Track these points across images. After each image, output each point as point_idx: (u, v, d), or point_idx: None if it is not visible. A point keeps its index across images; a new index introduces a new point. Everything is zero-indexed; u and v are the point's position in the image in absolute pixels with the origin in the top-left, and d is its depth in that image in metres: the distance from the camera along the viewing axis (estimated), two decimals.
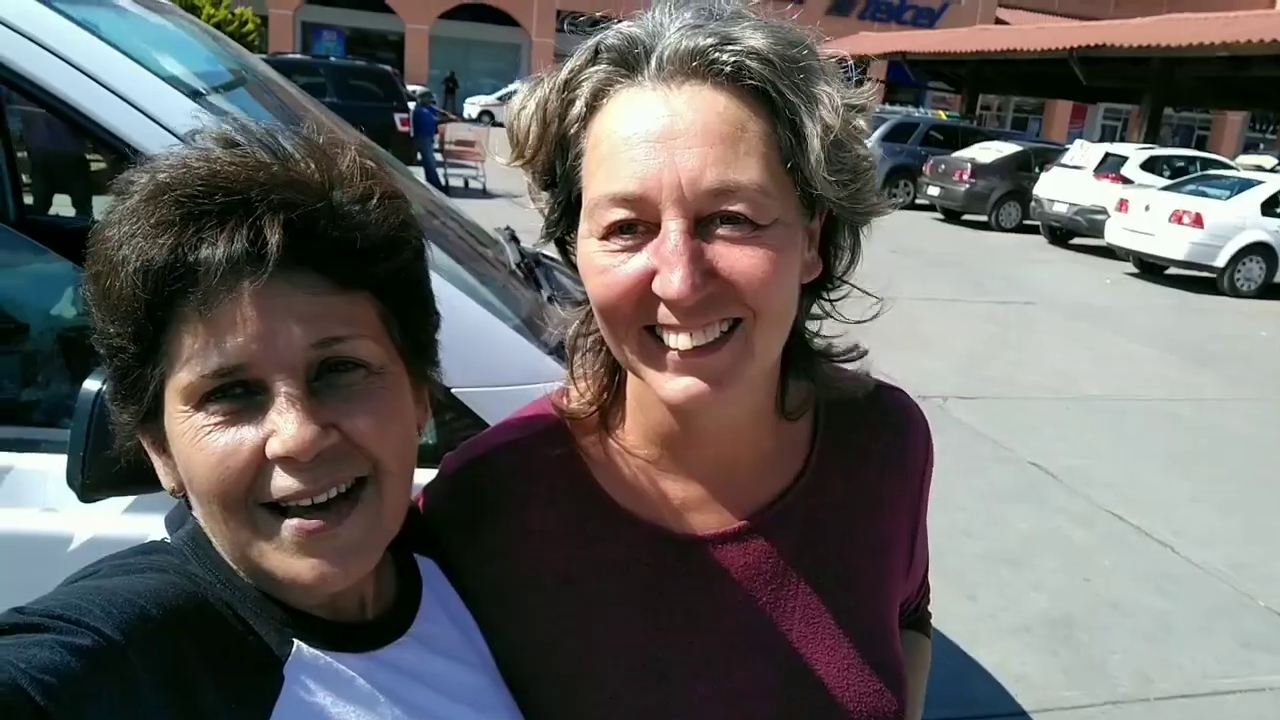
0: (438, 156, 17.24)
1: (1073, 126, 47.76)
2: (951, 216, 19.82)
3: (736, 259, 0.71)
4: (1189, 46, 19.34)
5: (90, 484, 1.34)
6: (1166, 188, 15.47)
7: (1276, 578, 4.84)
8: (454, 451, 0.97)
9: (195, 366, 0.67)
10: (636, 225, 0.73)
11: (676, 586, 0.89)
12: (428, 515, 0.95)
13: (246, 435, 0.68)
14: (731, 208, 0.71)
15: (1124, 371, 8.90)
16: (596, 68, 0.76)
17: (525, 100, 0.81)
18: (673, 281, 0.70)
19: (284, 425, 0.67)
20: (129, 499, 1.57)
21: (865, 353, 0.94)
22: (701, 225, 0.72)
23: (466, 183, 16.72)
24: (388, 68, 19.58)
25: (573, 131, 0.78)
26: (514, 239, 2.90)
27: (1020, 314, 11.00)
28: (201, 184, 0.67)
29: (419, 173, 15.86)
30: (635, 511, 0.90)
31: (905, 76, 36.39)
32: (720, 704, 0.87)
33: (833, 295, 0.89)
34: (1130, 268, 15.29)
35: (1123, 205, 15.15)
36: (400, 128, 16.65)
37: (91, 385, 1.31)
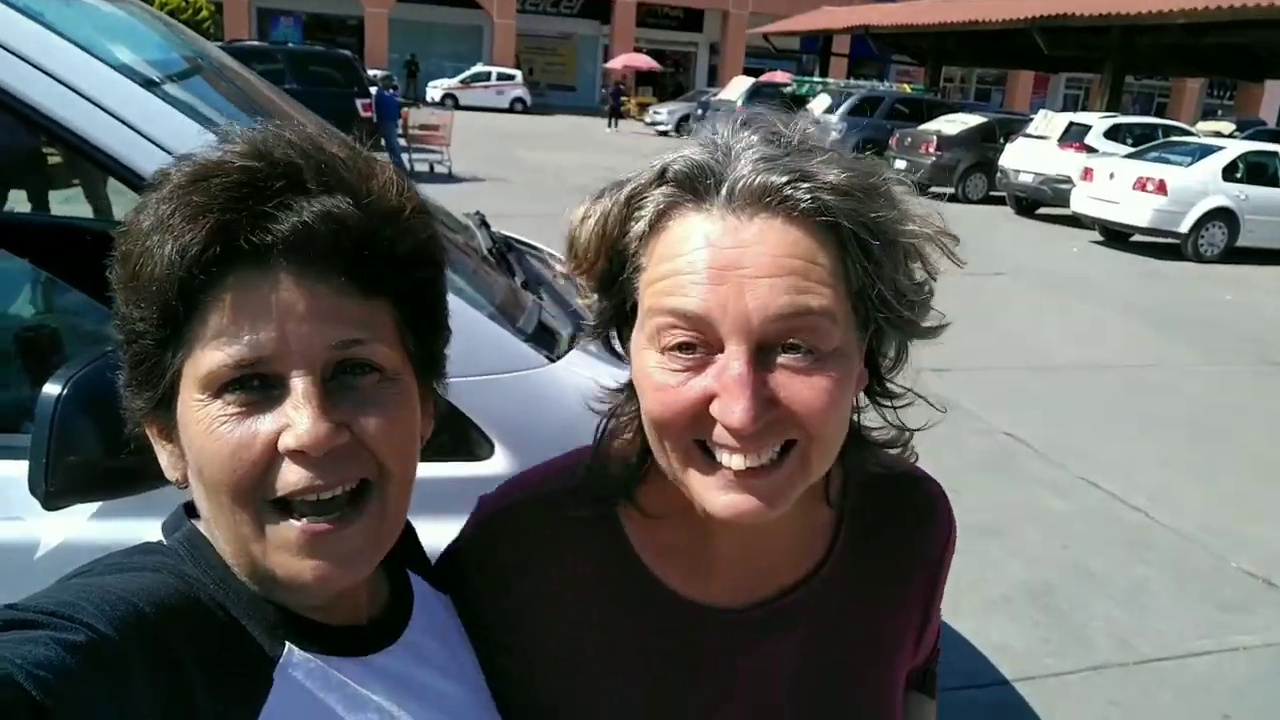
0: (401, 141, 17.05)
1: (1035, 96, 48.10)
2: (918, 189, 19.74)
3: (799, 389, 0.71)
4: (1148, 15, 19.52)
5: (54, 491, 1.30)
6: (1130, 155, 15.65)
7: (1248, 540, 4.92)
8: (491, 493, 0.98)
9: (218, 354, 0.68)
10: (696, 345, 0.72)
11: (694, 662, 0.88)
12: (460, 552, 0.96)
13: (261, 427, 0.69)
14: (796, 337, 0.71)
15: (1093, 339, 9.01)
16: (662, 188, 0.75)
17: (589, 209, 0.80)
18: (735, 411, 0.69)
19: (299, 420, 0.68)
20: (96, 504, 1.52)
21: (910, 438, 0.92)
22: (763, 353, 0.71)
23: (432, 167, 16.56)
24: (347, 53, 19.27)
25: (633, 248, 0.78)
26: (484, 224, 2.85)
27: (990, 285, 11.08)
28: (246, 169, 0.69)
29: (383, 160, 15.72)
30: (662, 578, 0.89)
31: (869, 50, 36.46)
32: None
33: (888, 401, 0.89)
34: (1096, 236, 15.46)
35: (1087, 174, 15.31)
36: (362, 113, 16.38)
37: (52, 390, 1.27)
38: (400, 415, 0.75)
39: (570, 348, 2.09)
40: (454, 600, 0.94)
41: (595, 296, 0.84)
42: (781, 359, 0.71)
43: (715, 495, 0.74)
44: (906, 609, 0.97)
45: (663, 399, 0.74)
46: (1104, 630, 3.96)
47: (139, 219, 0.71)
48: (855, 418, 0.87)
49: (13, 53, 1.50)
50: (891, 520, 0.96)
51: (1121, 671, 3.70)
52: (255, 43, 24.01)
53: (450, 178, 16.02)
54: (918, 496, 1.00)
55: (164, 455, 0.76)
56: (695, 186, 0.73)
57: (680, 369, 0.73)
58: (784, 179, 0.71)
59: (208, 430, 0.69)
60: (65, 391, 1.27)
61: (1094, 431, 6.39)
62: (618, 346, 0.86)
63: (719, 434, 0.72)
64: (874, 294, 0.74)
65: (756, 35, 37.86)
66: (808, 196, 0.71)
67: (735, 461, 0.73)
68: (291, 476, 0.69)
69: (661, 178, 0.75)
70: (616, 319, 0.83)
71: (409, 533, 0.96)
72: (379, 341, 0.73)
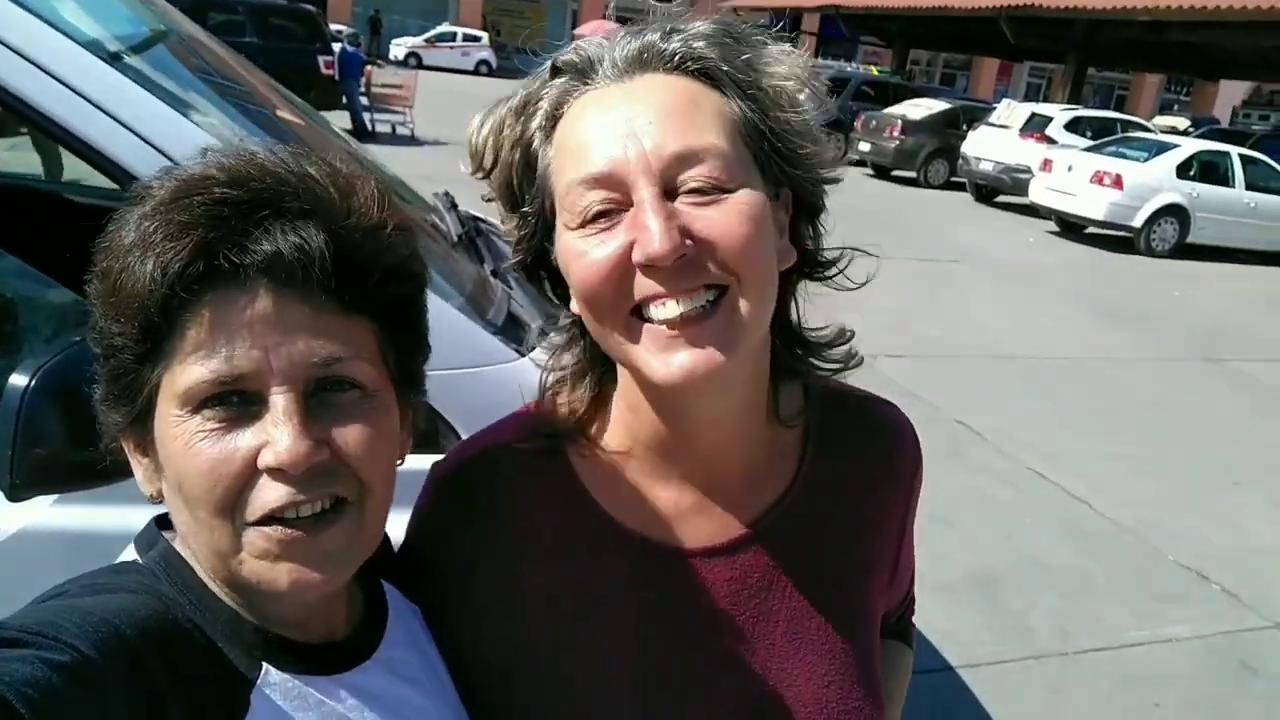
0: (364, 101, 16.71)
1: (999, 83, 48.54)
2: (881, 172, 20.04)
3: (710, 217, 0.73)
4: (1112, 10, 19.74)
5: (20, 483, 1.28)
6: (1089, 149, 15.89)
7: (1185, 533, 5.10)
8: (442, 458, 0.97)
9: (197, 370, 0.68)
10: (611, 210, 0.75)
11: (666, 601, 0.89)
12: (416, 518, 0.96)
13: (240, 443, 0.69)
14: (697, 172, 0.74)
15: (1045, 330, 9.19)
16: (553, 82, 0.81)
17: (484, 117, 0.85)
18: (651, 240, 0.71)
19: (279, 437, 0.68)
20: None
21: (853, 335, 0.95)
22: (671, 198, 0.74)
23: (394, 128, 16.28)
24: (310, 7, 18.78)
25: (535, 144, 0.82)
26: (453, 206, 2.81)
27: (947, 272, 11.24)
28: (228, 189, 0.69)
29: (344, 118, 15.37)
30: (625, 522, 0.90)
31: (838, 31, 36.42)
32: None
33: (813, 281, 0.91)
34: (1052, 226, 15.72)
35: (1046, 165, 15.52)
36: (324, 70, 16.00)
37: (19, 380, 1.24)
38: (380, 432, 0.75)
39: (540, 340, 2.09)
40: (419, 583, 0.93)
41: (515, 220, 0.86)
42: (689, 198, 0.74)
43: (660, 359, 0.75)
44: (880, 534, 0.98)
45: (585, 263, 0.76)
46: (1045, 620, 4.09)
47: (120, 235, 0.70)
48: (796, 317, 0.92)
49: None
50: (859, 439, 0.97)
51: (1061, 660, 3.82)
52: None
53: (413, 140, 15.77)
54: (884, 417, 1.01)
55: (139, 469, 0.76)
56: (582, 69, 0.80)
57: (598, 232, 0.75)
58: (657, 35, 0.79)
59: (186, 446, 0.69)
60: (33, 383, 1.24)
61: (1043, 422, 6.54)
62: (547, 290, 0.89)
63: (647, 286, 0.74)
64: (765, 129, 0.78)
65: (726, 9, 37.55)
66: (680, 44, 0.78)
67: (668, 310, 0.74)
68: (270, 495, 0.69)
69: (553, 74, 0.81)
70: (540, 234, 0.84)
71: (383, 542, 0.95)
72: (360, 358, 0.73)
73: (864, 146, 19.91)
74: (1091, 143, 16.59)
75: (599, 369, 0.92)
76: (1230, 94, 43.86)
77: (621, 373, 0.88)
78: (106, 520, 1.46)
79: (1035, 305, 10.21)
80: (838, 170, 0.85)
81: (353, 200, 0.75)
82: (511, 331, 2.07)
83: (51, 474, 1.31)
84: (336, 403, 0.72)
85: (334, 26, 22.37)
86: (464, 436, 1.81)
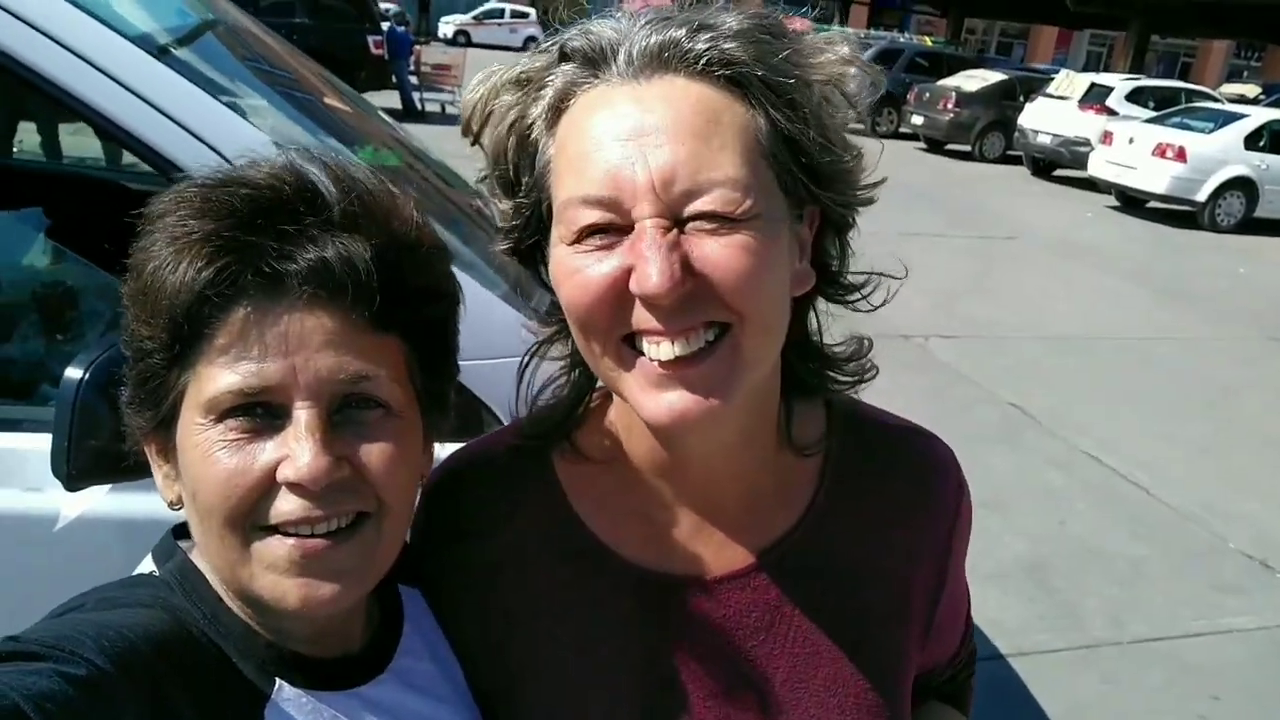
0: (413, 80, 16.81)
1: (1058, 52, 47.19)
2: (935, 146, 19.66)
3: (713, 251, 0.67)
4: None
5: (76, 473, 1.32)
6: (1151, 120, 15.42)
7: (1247, 519, 4.96)
8: (436, 467, 0.92)
9: (224, 380, 0.67)
10: (610, 228, 0.68)
11: (662, 632, 0.83)
12: (411, 534, 0.90)
13: (260, 456, 0.68)
14: (707, 201, 0.67)
15: (1103, 309, 8.96)
16: (561, 67, 0.73)
17: (481, 79, 0.78)
18: (650, 275, 0.65)
19: (300, 452, 0.67)
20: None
21: (871, 347, 0.87)
22: (676, 224, 0.68)
23: (444, 108, 16.37)
24: None
25: (535, 133, 0.74)
26: None
27: (1002, 249, 11.01)
28: (272, 193, 0.69)
29: (394, 98, 15.46)
30: (616, 548, 0.85)
31: (891, 0, 35.69)
32: None
33: (836, 303, 0.84)
34: (1112, 200, 15.29)
35: (1107, 138, 15.10)
36: (374, 50, 16.09)
37: (73, 373, 1.28)
38: (402, 451, 0.74)
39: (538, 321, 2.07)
40: (427, 599, 0.91)
41: (508, 205, 0.79)
42: (696, 227, 0.67)
43: (650, 397, 0.70)
44: (911, 580, 0.89)
45: (577, 281, 0.69)
46: (1099, 608, 4.01)
47: (155, 236, 0.70)
48: (817, 338, 0.85)
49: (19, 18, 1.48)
50: (890, 473, 0.89)
51: (1115, 650, 3.75)
52: None
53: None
54: (923, 450, 0.93)
55: (159, 474, 0.76)
56: (593, 59, 0.71)
57: (593, 250, 0.69)
58: (682, 30, 0.69)
59: (205, 454, 0.68)
60: (86, 376, 1.28)
61: (1098, 404, 6.39)
62: (543, 274, 0.80)
63: (643, 318, 0.68)
64: (802, 138, 0.70)
65: None
66: (707, 46, 0.68)
67: (663, 350, 0.68)
68: (286, 506, 0.68)
69: (561, 58, 0.73)
70: (534, 228, 0.78)
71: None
72: (387, 377, 0.72)
73: (917, 120, 19.55)
74: (1154, 114, 16.09)
75: (585, 370, 0.86)
76: None
77: None
78: (160, 508, 1.50)
79: (1093, 283, 9.96)
80: (873, 192, 0.78)
81: (393, 217, 0.74)
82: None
83: (106, 464, 1.35)
84: (361, 420, 0.72)
85: (383, 6, 22.50)
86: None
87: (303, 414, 0.68)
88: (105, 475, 1.39)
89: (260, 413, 0.68)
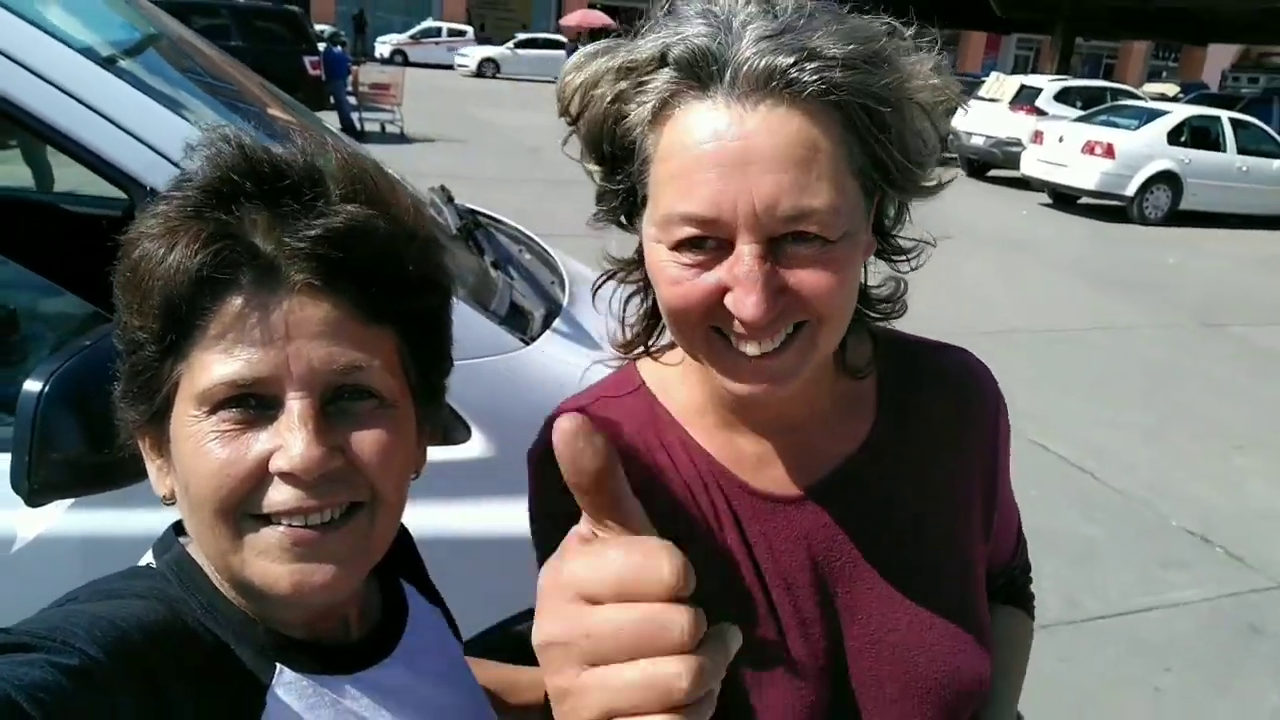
0: (351, 100, 16.65)
1: (987, 57, 48.37)
2: None
3: (807, 277, 0.74)
4: None
5: (37, 488, 1.29)
6: (1079, 119, 15.85)
7: (1189, 499, 5.12)
8: (556, 411, 0.95)
9: (216, 371, 0.67)
10: (708, 240, 0.74)
11: (767, 543, 0.89)
12: (530, 510, 0.94)
13: (252, 446, 0.68)
14: (804, 226, 0.72)
15: (1042, 302, 9.19)
16: (664, 72, 0.74)
17: (581, 63, 0.80)
18: (748, 306, 0.72)
19: (293, 442, 0.67)
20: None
21: (905, 287, 0.97)
22: (773, 244, 0.73)
23: (383, 127, 16.22)
24: (294, 8, 18.68)
25: (637, 129, 0.77)
26: (450, 200, 2.82)
27: (941, 247, 11.12)
28: (264, 180, 0.69)
29: (332, 119, 15.32)
30: (727, 467, 0.91)
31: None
32: (815, 665, 0.88)
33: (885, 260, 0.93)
34: (1045, 198, 15.70)
35: (1037, 137, 15.50)
36: (311, 71, 15.91)
37: (33, 385, 1.25)
38: (396, 442, 0.74)
39: (544, 329, 2.10)
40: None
41: (603, 175, 0.83)
42: (791, 248, 0.73)
43: (732, 380, 0.79)
44: (966, 480, 0.97)
45: (678, 292, 0.76)
46: (1054, 590, 4.11)
47: (147, 222, 0.69)
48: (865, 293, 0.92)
49: None
50: (935, 386, 0.98)
51: (1071, 629, 3.85)
52: None
53: (403, 138, 15.71)
54: (958, 361, 1.03)
55: (153, 468, 0.76)
56: (698, 73, 0.72)
57: (691, 263, 0.74)
58: (790, 60, 0.70)
59: (198, 446, 0.68)
60: (46, 388, 1.26)
61: (1044, 394, 6.55)
62: (622, 220, 0.86)
63: (734, 324, 0.75)
64: (889, 161, 0.76)
65: None
66: (814, 78, 0.70)
67: (750, 349, 0.76)
68: (279, 496, 0.68)
69: (662, 60, 0.74)
70: (627, 208, 0.83)
71: (403, 540, 0.94)
72: (381, 368, 0.72)
73: None
74: (1082, 113, 16.57)
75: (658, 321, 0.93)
76: (1219, 58, 43.77)
77: None
78: (121, 525, 1.48)
79: (1031, 277, 10.21)
80: (937, 186, 0.86)
81: (392, 202, 0.74)
82: (514, 321, 2.08)
83: (68, 478, 1.33)
84: (354, 411, 0.72)
85: (319, 27, 22.28)
86: (473, 426, 1.83)
87: (295, 404, 0.68)
88: (68, 489, 1.37)
89: (253, 404, 0.68)
